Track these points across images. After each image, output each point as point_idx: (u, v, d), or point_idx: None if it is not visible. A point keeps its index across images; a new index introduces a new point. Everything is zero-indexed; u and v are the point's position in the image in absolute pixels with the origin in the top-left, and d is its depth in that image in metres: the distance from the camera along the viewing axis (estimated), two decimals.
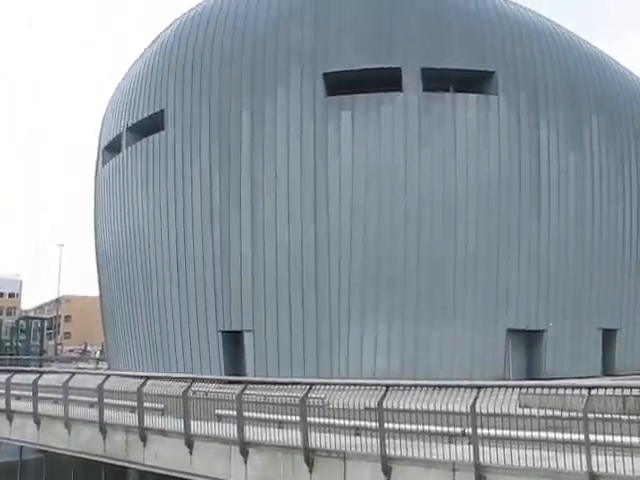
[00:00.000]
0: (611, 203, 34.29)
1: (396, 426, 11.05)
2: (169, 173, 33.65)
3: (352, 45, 31.26)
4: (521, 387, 10.83)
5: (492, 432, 10.03)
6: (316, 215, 30.63)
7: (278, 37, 31.91)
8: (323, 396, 12.62)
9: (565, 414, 10.10)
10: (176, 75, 33.72)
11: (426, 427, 10.92)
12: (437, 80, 31.11)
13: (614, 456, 8.79)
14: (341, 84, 30.71)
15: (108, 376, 17.72)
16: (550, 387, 10.47)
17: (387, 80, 30.52)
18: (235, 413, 13.05)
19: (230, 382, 15.70)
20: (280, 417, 13.23)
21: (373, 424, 11.30)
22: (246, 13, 32.85)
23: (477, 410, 10.01)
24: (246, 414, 13.15)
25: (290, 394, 13.38)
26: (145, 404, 15.18)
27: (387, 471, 10.70)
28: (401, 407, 10.99)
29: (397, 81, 30.65)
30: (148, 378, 16.15)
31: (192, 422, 13.86)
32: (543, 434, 9.78)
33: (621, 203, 34.72)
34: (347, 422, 12.22)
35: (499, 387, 10.25)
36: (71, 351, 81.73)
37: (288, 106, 31.22)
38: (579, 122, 33.56)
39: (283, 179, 30.99)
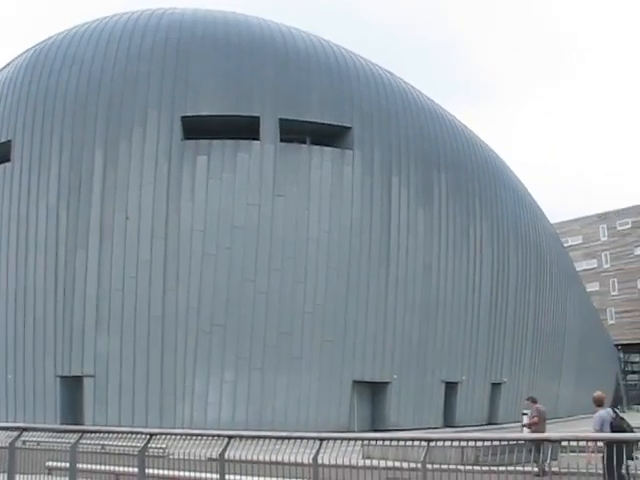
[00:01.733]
0: (456, 261, 35.74)
1: (238, 477, 10.81)
2: (13, 207, 32.03)
3: (212, 91, 31.26)
4: (363, 439, 10.90)
5: None
6: (166, 260, 30.00)
7: (138, 77, 31.39)
8: (164, 446, 12.18)
9: (406, 465, 10.21)
10: (27, 105, 32.35)
11: (269, 478, 10.72)
12: (294, 131, 31.61)
13: None
14: (199, 129, 30.58)
15: None
16: (391, 439, 10.57)
17: (245, 128, 30.72)
18: (68, 465, 12.31)
19: (65, 431, 14.84)
20: (117, 469, 12.62)
21: (215, 476, 10.99)
22: (106, 50, 32.15)
23: (319, 461, 9.94)
24: (80, 466, 12.43)
25: (129, 444, 12.79)
26: None
27: None
28: (244, 458, 10.76)
29: (255, 130, 30.88)
30: None
31: (17, 476, 12.91)
32: None
33: (465, 262, 36.26)
34: (188, 474, 11.81)
35: (341, 439, 10.24)
36: None
37: (143, 147, 30.66)
38: (429, 180, 34.97)
39: (134, 222, 30.21)
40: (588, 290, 58.68)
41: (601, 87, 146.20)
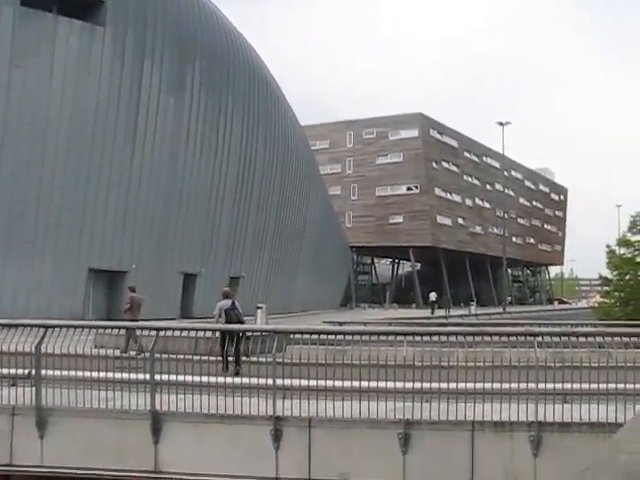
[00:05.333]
0: (203, 153, 35.46)
1: None
2: None
3: None
4: (90, 327, 10.47)
5: (58, 373, 9.51)
6: None
7: None
8: None
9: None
10: None
11: None
12: None
13: (184, 394, 9.00)
14: None
15: None
16: (120, 328, 10.28)
17: None
18: None
19: None
20: None
21: None
22: None
23: (43, 351, 9.39)
24: None
25: None
26: None
27: None
28: None
29: None
30: None
31: None
32: (110, 374, 9.54)
33: (212, 155, 36.09)
34: None
35: (67, 327, 9.71)
36: None
37: None
38: (182, 69, 33.99)
39: None
40: (330, 193, 61.07)
41: None
